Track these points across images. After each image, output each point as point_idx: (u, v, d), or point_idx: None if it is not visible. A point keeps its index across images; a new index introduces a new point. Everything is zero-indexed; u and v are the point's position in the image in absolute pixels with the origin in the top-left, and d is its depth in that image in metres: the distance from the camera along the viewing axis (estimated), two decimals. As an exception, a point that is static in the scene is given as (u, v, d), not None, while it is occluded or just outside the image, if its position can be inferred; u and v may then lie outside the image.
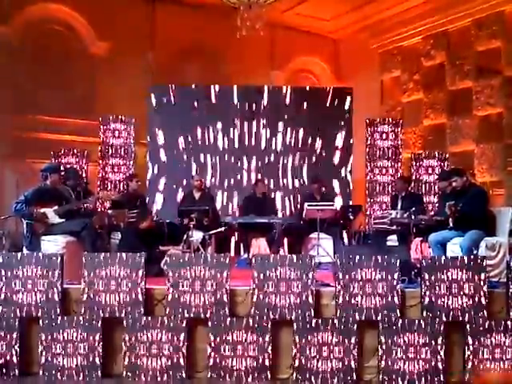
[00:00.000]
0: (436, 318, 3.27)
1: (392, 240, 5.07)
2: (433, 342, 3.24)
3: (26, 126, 7.32)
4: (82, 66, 7.78)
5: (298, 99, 6.95)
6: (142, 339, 3.28)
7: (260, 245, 5.37)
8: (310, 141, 6.91)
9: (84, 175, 6.52)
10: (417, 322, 3.28)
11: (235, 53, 8.27)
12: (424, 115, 8.53)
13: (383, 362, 3.25)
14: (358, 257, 3.36)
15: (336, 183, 6.88)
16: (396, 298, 3.29)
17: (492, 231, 4.16)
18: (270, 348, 3.27)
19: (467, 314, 3.28)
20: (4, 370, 3.29)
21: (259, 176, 6.67)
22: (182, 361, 3.27)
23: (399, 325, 3.27)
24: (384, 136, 6.90)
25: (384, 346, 3.25)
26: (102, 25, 7.73)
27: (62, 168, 5.20)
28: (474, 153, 7.79)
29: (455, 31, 8.16)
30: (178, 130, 6.84)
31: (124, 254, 3.41)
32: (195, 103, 6.84)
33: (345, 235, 5.93)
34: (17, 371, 3.30)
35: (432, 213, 5.23)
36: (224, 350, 3.27)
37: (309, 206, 5.27)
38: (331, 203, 5.39)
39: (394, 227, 5.00)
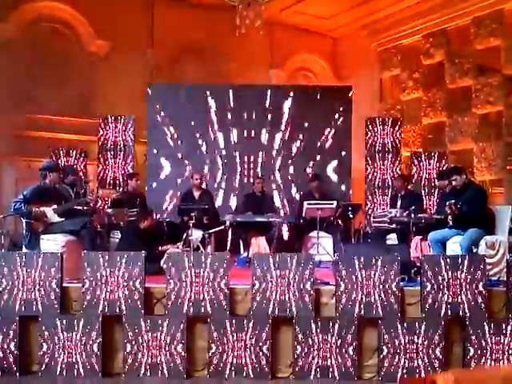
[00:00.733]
0: (436, 317, 3.28)
1: (392, 239, 5.07)
2: (432, 341, 3.24)
3: (25, 125, 7.30)
4: (81, 65, 7.76)
5: (297, 97, 6.94)
6: (142, 338, 3.28)
7: (259, 243, 5.36)
8: (308, 139, 6.91)
9: (83, 174, 6.53)
10: (416, 320, 3.28)
11: (234, 51, 8.26)
12: (423, 113, 8.52)
13: (383, 361, 3.25)
14: (357, 255, 3.36)
15: (336, 181, 6.89)
16: (396, 297, 3.30)
17: (492, 230, 4.16)
18: (269, 346, 3.27)
19: (467, 313, 3.28)
20: (4, 369, 3.28)
21: (258, 174, 6.65)
22: (181, 359, 3.27)
23: (399, 323, 3.27)
24: (383, 134, 6.91)
25: (384, 345, 3.25)
26: (101, 23, 7.71)
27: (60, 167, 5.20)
28: (473, 151, 7.78)
29: (454, 29, 8.15)
30: (177, 129, 6.83)
31: (124, 253, 3.41)
32: (194, 102, 6.83)
33: (344, 234, 5.93)
34: (17, 370, 3.30)
35: (432, 211, 5.24)
36: (223, 349, 3.27)
37: (308, 204, 5.26)
38: (331, 202, 5.38)
39: (394, 226, 5.00)
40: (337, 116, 6.92)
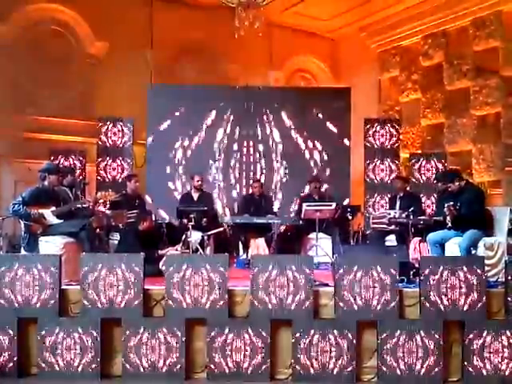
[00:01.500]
0: (434, 318, 3.28)
1: (390, 240, 5.08)
2: (431, 342, 3.24)
3: (25, 126, 7.30)
4: (80, 66, 7.77)
5: (296, 99, 6.95)
6: (141, 340, 3.28)
7: (259, 245, 5.36)
8: (307, 140, 6.92)
9: (82, 176, 6.53)
10: (415, 321, 3.28)
11: (233, 52, 8.27)
12: (422, 115, 8.53)
13: (382, 362, 3.25)
14: (356, 257, 3.36)
15: (335, 182, 6.89)
16: (394, 298, 3.30)
17: (490, 231, 4.17)
18: (268, 348, 3.27)
19: (466, 314, 3.28)
20: (3, 371, 3.28)
21: (256, 176, 6.66)
22: (180, 361, 3.26)
23: (398, 325, 3.27)
24: (382, 136, 6.92)
25: (383, 346, 3.25)
26: (100, 25, 7.72)
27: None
28: (471, 152, 7.80)
29: (453, 31, 8.17)
30: (177, 130, 6.83)
31: (123, 255, 3.40)
32: (193, 103, 6.84)
33: (343, 235, 5.93)
34: (15, 372, 3.29)
35: (430, 213, 5.24)
36: (223, 351, 3.27)
37: (307, 206, 5.27)
38: (329, 203, 5.39)
39: (393, 227, 5.01)
40: (336, 117, 6.93)
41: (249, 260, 3.99)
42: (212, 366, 3.27)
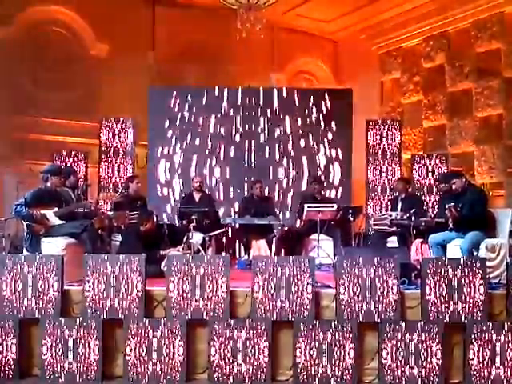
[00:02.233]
0: (436, 320, 3.27)
1: (392, 241, 5.07)
2: (433, 344, 3.24)
3: (27, 128, 7.33)
4: (82, 68, 7.79)
5: (298, 100, 6.96)
6: (142, 341, 3.28)
7: (260, 246, 5.36)
8: (309, 142, 6.92)
9: (84, 177, 6.55)
10: (417, 323, 3.28)
11: (235, 54, 8.28)
12: (424, 116, 8.53)
13: (383, 364, 3.25)
14: (358, 258, 3.36)
15: (336, 184, 6.89)
16: (396, 300, 3.29)
17: (492, 232, 4.16)
18: (269, 349, 3.27)
19: (467, 316, 3.28)
20: (4, 372, 3.29)
21: (257, 178, 6.65)
22: (181, 362, 3.27)
23: (399, 326, 3.26)
24: (384, 137, 6.92)
25: (384, 348, 3.25)
26: (102, 26, 7.75)
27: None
28: (474, 154, 7.79)
29: (455, 32, 8.17)
30: (178, 131, 6.84)
31: (124, 256, 3.41)
32: (195, 104, 6.85)
33: (345, 237, 5.93)
34: (17, 373, 3.30)
35: (432, 214, 5.24)
36: (224, 352, 3.27)
37: (309, 207, 5.27)
38: (331, 204, 5.38)
39: (394, 229, 5.00)
40: (337, 119, 6.93)
41: (250, 261, 3.99)
42: (213, 368, 3.27)
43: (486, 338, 3.23)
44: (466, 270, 3.31)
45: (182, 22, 8.18)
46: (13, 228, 5.61)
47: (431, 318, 3.28)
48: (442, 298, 3.29)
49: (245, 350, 3.26)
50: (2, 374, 3.29)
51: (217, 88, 6.95)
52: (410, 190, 5.69)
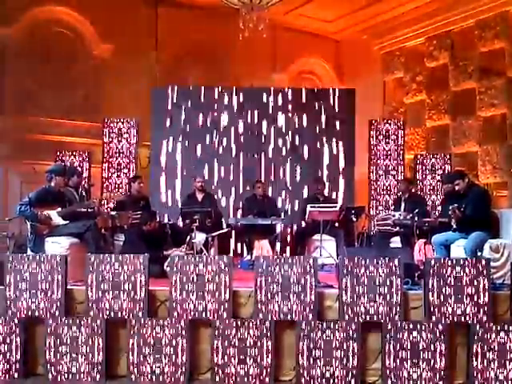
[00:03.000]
0: (440, 320, 3.26)
1: (395, 242, 5.06)
2: (436, 344, 3.23)
3: (30, 128, 7.35)
4: (85, 68, 7.81)
5: (300, 100, 6.95)
6: (146, 340, 3.29)
7: (263, 246, 5.37)
8: (312, 142, 6.91)
9: (87, 177, 6.57)
10: (420, 323, 3.27)
11: (238, 54, 8.28)
12: (427, 116, 8.50)
13: (387, 365, 3.24)
14: (361, 258, 3.35)
15: (339, 184, 6.88)
16: (399, 300, 3.29)
17: (496, 233, 4.15)
18: (272, 350, 3.26)
19: (471, 316, 3.26)
20: (9, 371, 3.30)
21: (260, 178, 6.65)
22: (185, 362, 3.27)
23: (402, 327, 3.26)
24: (387, 137, 6.91)
25: (387, 348, 3.24)
26: (105, 27, 7.76)
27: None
28: (477, 154, 7.76)
29: (458, 32, 8.14)
30: (181, 131, 6.85)
31: (127, 256, 3.42)
32: (198, 105, 6.86)
33: (348, 237, 5.92)
34: (21, 372, 3.31)
35: (435, 214, 5.22)
36: (227, 352, 3.27)
37: (311, 207, 5.26)
38: (334, 205, 5.38)
39: (397, 229, 4.99)
40: (340, 119, 6.92)
41: (253, 261, 3.99)
42: (216, 368, 3.27)
43: (490, 339, 3.22)
44: (469, 270, 3.29)
45: (184, 22, 8.19)
46: (17, 228, 5.62)
47: (434, 319, 3.27)
48: (445, 299, 3.28)
49: (248, 350, 3.26)
50: (6, 374, 3.30)
51: (219, 88, 6.95)
52: (413, 190, 5.68)
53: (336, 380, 3.24)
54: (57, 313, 3.34)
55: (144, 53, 8.00)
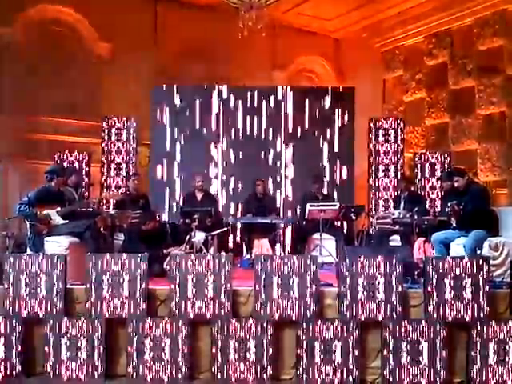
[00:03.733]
0: (439, 318, 3.27)
1: (395, 240, 5.07)
2: (436, 343, 3.23)
3: (30, 127, 7.34)
4: (84, 67, 7.79)
5: (299, 99, 6.95)
6: (145, 340, 3.29)
7: (262, 245, 5.37)
8: (312, 141, 6.91)
9: (87, 176, 6.57)
10: (420, 322, 3.27)
11: (237, 53, 8.27)
12: (426, 114, 8.50)
13: (386, 363, 3.24)
14: (360, 257, 3.35)
15: (339, 182, 6.88)
16: (399, 299, 3.29)
17: (495, 231, 4.15)
18: (272, 348, 3.27)
19: (471, 314, 3.27)
20: (9, 371, 3.30)
21: (259, 176, 6.65)
22: (184, 361, 3.27)
23: (402, 325, 3.26)
24: (386, 135, 6.91)
25: (387, 347, 3.24)
26: (104, 26, 7.74)
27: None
28: (476, 152, 7.76)
29: (457, 30, 8.13)
30: (181, 130, 6.85)
31: (127, 255, 3.42)
32: (197, 104, 6.85)
33: (347, 235, 5.92)
34: (21, 372, 3.31)
35: (435, 212, 5.22)
36: (227, 351, 3.27)
37: (311, 206, 5.26)
38: (333, 203, 5.38)
39: (397, 227, 5.00)
40: (340, 117, 6.92)
41: (253, 260, 4.00)
42: (216, 367, 3.27)
43: (490, 337, 3.23)
44: (469, 268, 3.30)
45: (183, 21, 8.17)
46: (16, 227, 5.63)
47: (434, 317, 3.27)
48: (445, 297, 3.28)
49: (248, 349, 3.27)
50: (7, 373, 3.30)
51: (219, 86, 6.95)
52: (412, 188, 5.67)
53: (336, 378, 3.24)
54: (56, 312, 3.34)
55: (143, 52, 7.98)
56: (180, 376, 3.27)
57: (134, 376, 3.28)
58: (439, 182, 6.47)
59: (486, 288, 3.27)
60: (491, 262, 3.48)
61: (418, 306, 3.35)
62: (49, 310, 3.35)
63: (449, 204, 4.07)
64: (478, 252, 3.93)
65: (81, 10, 7.72)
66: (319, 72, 9.94)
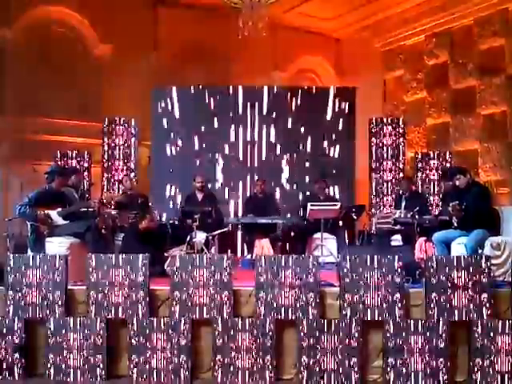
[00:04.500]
0: (440, 318, 3.26)
1: (396, 240, 5.06)
2: (437, 342, 3.22)
3: (30, 128, 7.35)
4: (84, 68, 7.81)
5: (300, 99, 6.95)
6: (146, 340, 3.29)
7: (263, 245, 5.36)
8: (312, 140, 6.91)
9: (88, 177, 6.58)
10: (421, 322, 3.26)
11: (237, 53, 8.28)
12: (427, 114, 8.49)
13: (388, 362, 3.24)
14: (361, 257, 3.35)
15: (340, 182, 6.87)
16: (400, 298, 3.28)
17: (497, 230, 4.14)
18: (273, 348, 3.26)
19: (472, 314, 3.26)
20: (10, 371, 3.30)
21: (260, 176, 6.65)
22: (186, 361, 3.27)
23: (403, 325, 3.25)
24: (387, 135, 6.91)
25: (388, 346, 3.24)
26: (104, 27, 7.76)
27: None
28: (478, 152, 7.75)
29: (458, 30, 8.12)
30: (181, 131, 6.85)
31: (128, 256, 3.41)
32: (197, 104, 6.85)
33: (348, 235, 5.91)
34: (22, 372, 3.31)
35: (436, 212, 5.22)
36: (228, 351, 3.27)
37: (312, 206, 5.26)
38: (334, 203, 5.37)
39: (398, 227, 4.99)
40: (340, 117, 6.91)
41: (253, 260, 3.99)
42: (217, 366, 3.26)
43: (491, 337, 3.21)
44: (470, 268, 3.29)
45: (183, 21, 8.18)
46: (17, 228, 5.62)
47: (436, 317, 3.26)
48: (446, 297, 3.27)
49: (249, 348, 3.26)
50: (8, 374, 3.30)
51: (219, 87, 6.95)
52: (413, 188, 5.67)
53: (337, 378, 3.23)
54: (57, 313, 3.34)
55: (144, 52, 7.99)
56: (181, 376, 3.27)
57: (135, 376, 3.27)
58: (440, 182, 6.46)
59: (488, 287, 3.26)
60: (493, 261, 3.46)
61: (419, 305, 3.34)
62: (50, 310, 3.35)
63: (450, 204, 4.06)
64: (480, 251, 3.92)
65: (81, 11, 7.73)
66: (320, 72, 9.94)
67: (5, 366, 3.30)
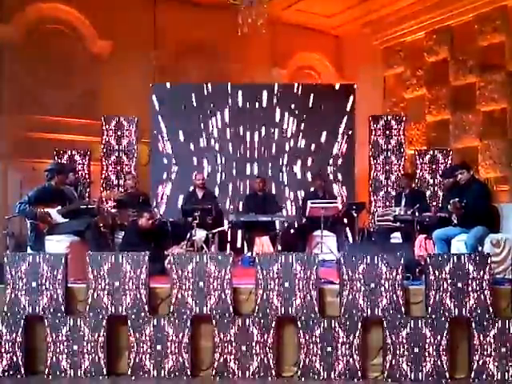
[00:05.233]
0: (440, 316, 3.26)
1: (396, 237, 5.07)
2: (437, 340, 3.23)
3: (29, 126, 7.33)
4: (84, 66, 7.78)
5: (300, 96, 6.93)
6: (147, 338, 3.29)
7: (263, 243, 5.37)
8: (312, 138, 6.90)
9: (87, 175, 6.57)
10: (421, 319, 3.27)
11: (237, 50, 8.25)
12: (427, 111, 8.47)
13: (388, 360, 3.24)
14: (361, 254, 3.35)
15: (339, 180, 6.87)
16: (400, 296, 3.28)
17: (497, 228, 4.14)
18: (274, 346, 3.27)
19: (472, 312, 3.26)
20: (10, 369, 3.31)
21: (259, 174, 6.64)
22: (186, 359, 3.28)
23: (403, 322, 3.26)
24: (387, 132, 6.90)
25: (388, 344, 3.24)
26: (103, 24, 7.73)
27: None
28: (477, 149, 7.74)
29: (458, 26, 8.10)
30: (181, 129, 6.84)
31: (128, 254, 3.41)
32: (197, 101, 6.84)
33: (348, 232, 5.92)
34: (23, 371, 3.32)
35: (436, 209, 5.22)
36: (228, 349, 3.27)
37: (312, 203, 5.26)
38: (334, 201, 5.37)
39: (398, 224, 4.99)
40: (340, 114, 6.90)
41: (253, 258, 3.99)
42: (217, 364, 3.27)
43: (491, 334, 3.22)
44: (470, 265, 3.29)
45: (183, 19, 8.15)
46: (16, 226, 5.62)
47: (435, 314, 3.26)
48: (446, 294, 3.27)
49: (249, 346, 3.26)
50: (8, 372, 3.31)
51: (219, 84, 6.93)
52: (413, 185, 5.66)
53: (337, 376, 3.24)
54: (58, 311, 3.35)
55: (143, 50, 7.96)
56: (182, 374, 3.27)
57: (136, 374, 3.28)
58: (441, 179, 6.46)
59: (488, 285, 3.26)
60: (493, 258, 3.46)
61: (419, 303, 3.35)
62: (50, 308, 3.35)
63: (450, 201, 4.06)
64: (480, 249, 3.93)
65: (80, 8, 7.70)
66: (319, 69, 9.91)
67: (5, 364, 3.30)
